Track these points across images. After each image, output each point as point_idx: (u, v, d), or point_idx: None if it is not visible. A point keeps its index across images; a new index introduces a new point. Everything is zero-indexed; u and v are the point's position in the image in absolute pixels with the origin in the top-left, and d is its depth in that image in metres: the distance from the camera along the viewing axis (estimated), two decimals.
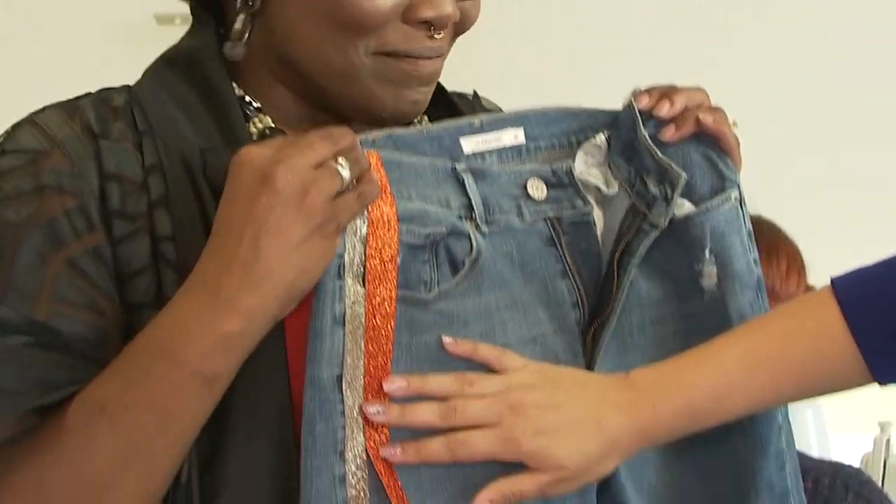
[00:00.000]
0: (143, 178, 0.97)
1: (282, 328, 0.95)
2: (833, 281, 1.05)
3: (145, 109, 1.00)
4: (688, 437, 1.05)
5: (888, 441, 2.30)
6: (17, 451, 0.92)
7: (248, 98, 1.05)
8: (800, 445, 1.72)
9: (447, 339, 0.99)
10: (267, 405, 0.95)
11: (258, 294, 0.90)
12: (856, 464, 2.34)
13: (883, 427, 2.32)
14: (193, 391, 0.91)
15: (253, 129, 1.03)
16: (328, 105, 1.04)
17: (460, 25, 1.04)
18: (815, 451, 2.11)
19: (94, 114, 1.00)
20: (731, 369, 1.02)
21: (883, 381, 1.04)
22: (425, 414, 0.96)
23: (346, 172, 0.92)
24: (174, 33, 1.08)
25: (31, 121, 1.00)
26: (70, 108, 1.01)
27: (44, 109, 1.01)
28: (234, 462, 0.94)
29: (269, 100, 1.05)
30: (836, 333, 1.03)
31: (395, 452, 0.96)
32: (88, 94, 1.03)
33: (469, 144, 1.05)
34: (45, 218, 0.94)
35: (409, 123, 1.08)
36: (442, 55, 1.04)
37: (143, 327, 0.93)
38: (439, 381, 0.98)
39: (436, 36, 1.01)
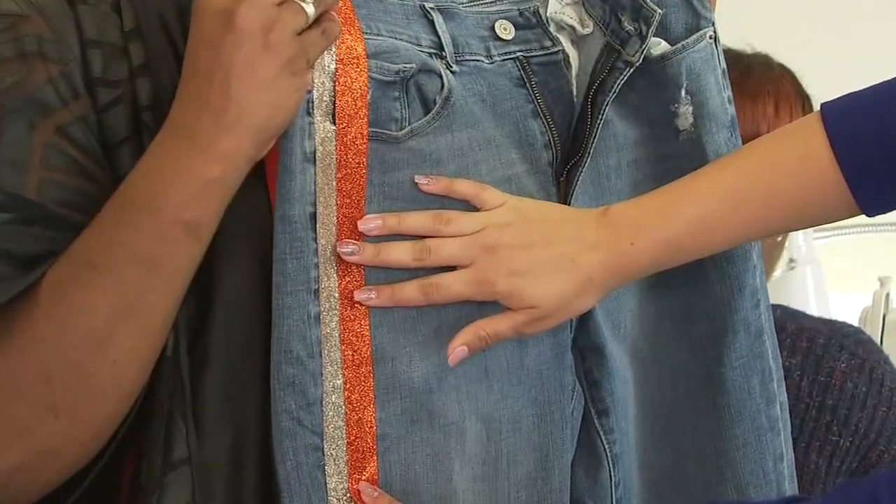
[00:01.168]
0: (123, 43, 0.96)
1: (266, 190, 0.95)
2: (823, 106, 1.01)
3: None
4: (664, 278, 1.05)
5: (888, 296, 2.30)
6: (8, 317, 0.91)
7: None
8: (799, 304, 1.72)
9: (421, 179, 0.98)
10: (255, 263, 0.96)
11: (233, 136, 0.89)
12: (855, 320, 2.34)
13: (883, 282, 2.30)
14: (178, 240, 0.91)
15: None
16: None
17: None
18: (814, 310, 2.10)
19: None
20: (711, 203, 1.00)
21: (870, 213, 1.00)
22: (400, 253, 0.97)
23: (309, 8, 0.91)
24: None
25: None
26: None
27: None
28: (222, 320, 0.95)
29: None
30: (822, 164, 0.99)
31: (370, 296, 0.96)
32: None
33: None
34: (32, 86, 0.93)
35: None
36: None
37: None
38: (415, 219, 0.97)
39: None
